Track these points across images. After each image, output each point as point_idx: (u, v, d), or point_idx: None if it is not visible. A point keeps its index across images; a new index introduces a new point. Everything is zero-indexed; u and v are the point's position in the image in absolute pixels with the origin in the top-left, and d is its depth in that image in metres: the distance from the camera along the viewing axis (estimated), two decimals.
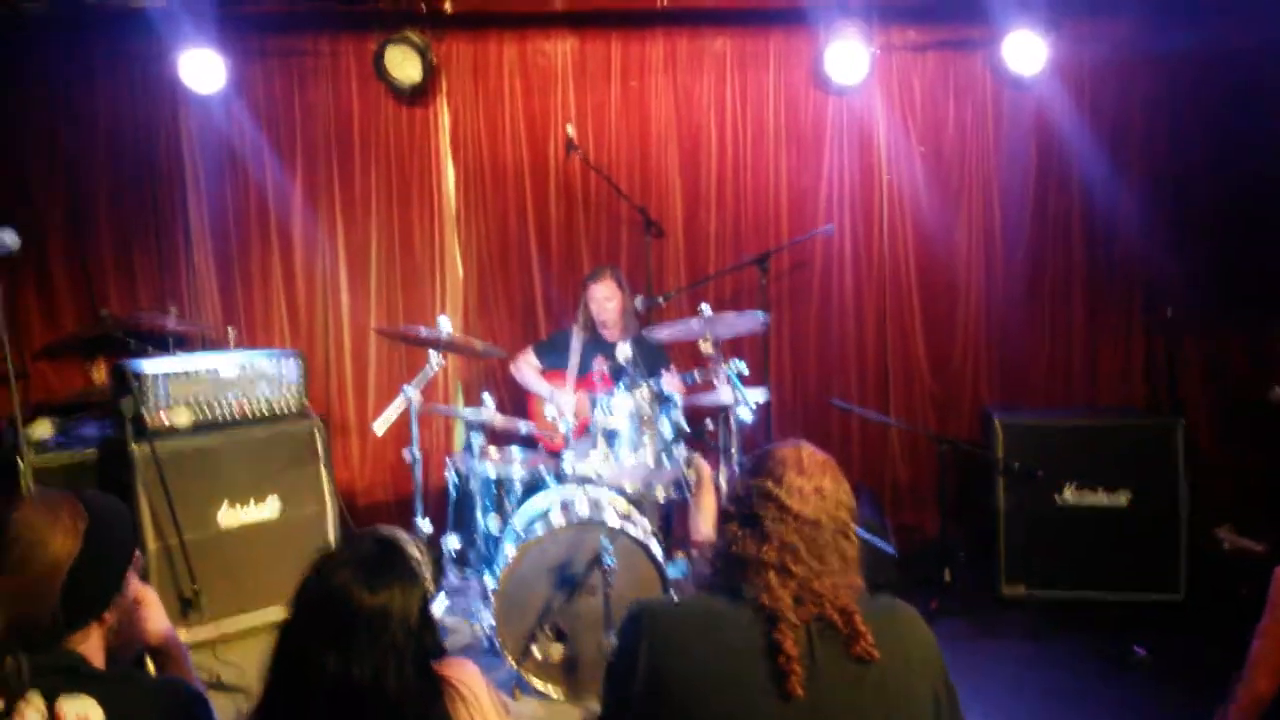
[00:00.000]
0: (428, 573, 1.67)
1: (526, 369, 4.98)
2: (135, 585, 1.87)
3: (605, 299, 4.82)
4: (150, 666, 2.01)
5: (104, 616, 1.76)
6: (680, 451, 4.18)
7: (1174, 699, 3.71)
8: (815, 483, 1.72)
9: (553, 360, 4.96)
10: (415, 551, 1.67)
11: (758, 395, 4.03)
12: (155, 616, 1.95)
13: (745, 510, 1.73)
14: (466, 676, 1.68)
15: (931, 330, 5.43)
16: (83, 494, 1.79)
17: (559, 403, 4.61)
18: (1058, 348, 5.31)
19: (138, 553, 1.86)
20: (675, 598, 2.60)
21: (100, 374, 5.44)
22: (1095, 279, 5.27)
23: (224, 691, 3.81)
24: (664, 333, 4.25)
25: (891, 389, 5.45)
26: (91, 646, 1.74)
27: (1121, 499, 4.49)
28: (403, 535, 1.70)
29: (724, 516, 1.78)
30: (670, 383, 4.33)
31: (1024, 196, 5.29)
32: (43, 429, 4.67)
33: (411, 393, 4.10)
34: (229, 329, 5.13)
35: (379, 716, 1.54)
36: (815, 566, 1.65)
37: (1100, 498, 4.51)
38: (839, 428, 5.48)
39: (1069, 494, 4.53)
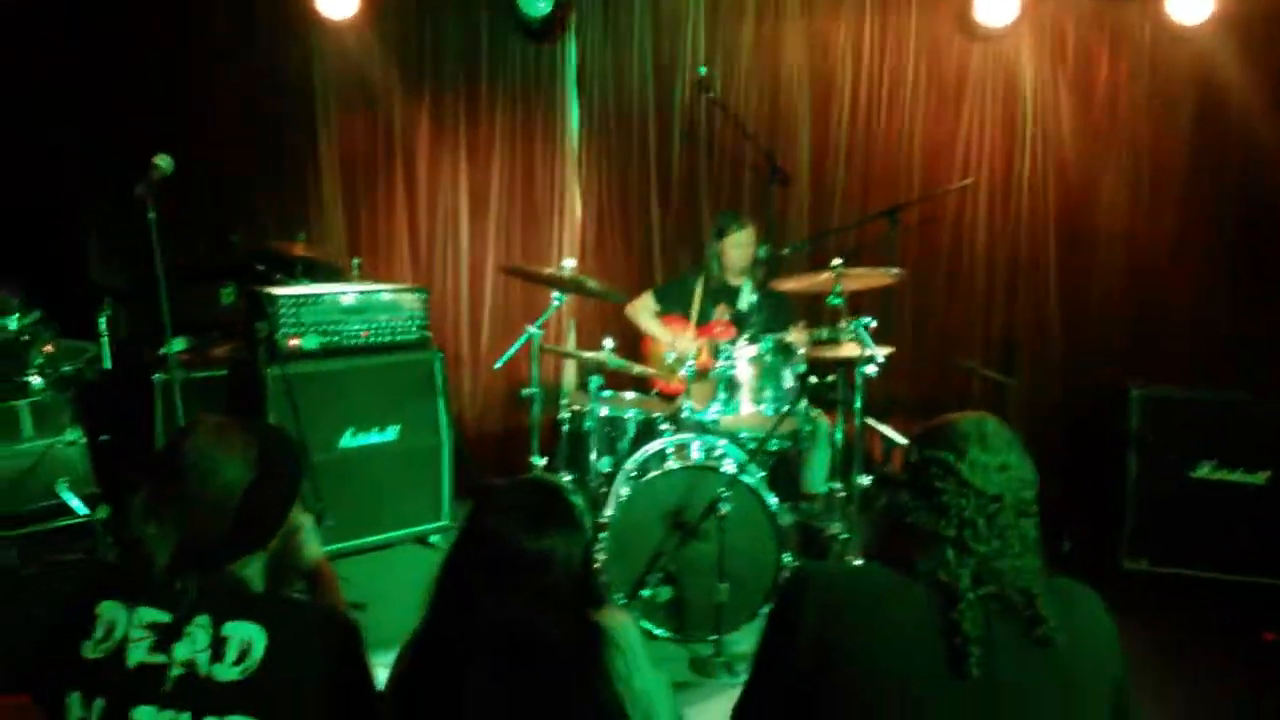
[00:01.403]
0: (589, 521, 1.66)
1: (644, 312, 4.94)
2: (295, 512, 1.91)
3: (746, 244, 4.75)
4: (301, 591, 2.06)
5: (269, 544, 1.80)
6: (799, 404, 4.12)
7: None
8: (1000, 459, 1.63)
9: (670, 305, 4.91)
10: (579, 500, 1.67)
11: (883, 351, 3.93)
12: (311, 543, 1.99)
13: (922, 481, 1.65)
14: (625, 628, 1.67)
15: (1068, 294, 5.18)
16: (252, 423, 1.83)
17: (680, 348, 4.58)
18: (1202, 317, 5.01)
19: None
20: (842, 565, 2.56)
21: (229, 296, 5.61)
22: (1249, 249, 4.93)
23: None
24: (790, 284, 4.16)
25: (1019, 353, 5.24)
26: (254, 571, 1.79)
27: (1260, 478, 4.28)
28: (564, 483, 1.70)
29: (895, 485, 1.71)
30: (796, 335, 4.25)
31: (1177, 156, 4.97)
32: (178, 347, 4.84)
33: (534, 331, 4.11)
34: (353, 260, 5.22)
35: (536, 661, 1.55)
36: (996, 545, 1.58)
37: (1238, 476, 4.30)
38: (960, 390, 5.31)
39: (1204, 470, 4.33)
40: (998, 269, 5.25)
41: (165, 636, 1.64)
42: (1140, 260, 5.10)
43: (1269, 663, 3.76)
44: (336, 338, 4.44)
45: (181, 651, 1.63)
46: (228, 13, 5.40)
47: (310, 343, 4.35)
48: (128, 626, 1.65)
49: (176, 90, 5.39)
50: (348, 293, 4.49)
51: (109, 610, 1.67)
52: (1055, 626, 1.52)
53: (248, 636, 1.65)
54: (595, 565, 1.69)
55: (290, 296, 4.33)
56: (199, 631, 1.64)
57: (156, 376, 4.21)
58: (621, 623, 1.69)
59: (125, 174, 3.36)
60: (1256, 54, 4.80)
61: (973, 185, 5.13)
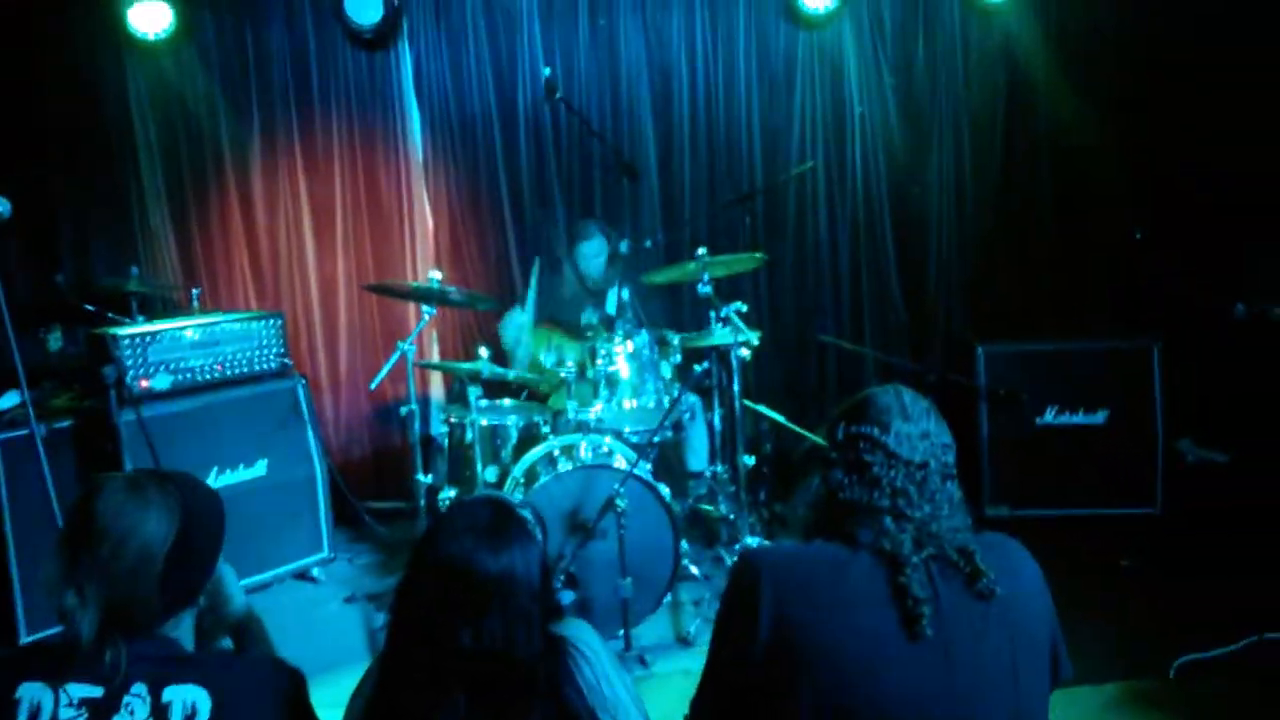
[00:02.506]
0: (540, 533, 1.64)
1: (520, 332, 4.82)
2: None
3: (594, 255, 4.79)
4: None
5: (198, 600, 1.70)
6: (683, 393, 4.19)
7: (1161, 606, 3.89)
8: (921, 427, 1.71)
9: (542, 312, 4.88)
10: (527, 513, 1.65)
11: (753, 335, 4.05)
12: (235, 592, 1.90)
13: (851, 457, 1.71)
14: (585, 635, 1.67)
15: (906, 265, 5.48)
16: (165, 472, 1.73)
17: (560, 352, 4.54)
18: (1028, 276, 5.39)
19: None
20: (786, 546, 2.59)
21: (57, 342, 5.21)
22: (1065, 206, 5.35)
23: None
24: (659, 276, 4.23)
25: (868, 326, 5.50)
26: (185, 630, 1.69)
27: (1099, 418, 4.66)
28: (507, 497, 1.67)
29: (824, 463, 1.77)
30: (667, 328, 4.33)
31: (994, 126, 5.33)
32: (9, 402, 4.47)
33: (407, 347, 4.02)
34: (193, 290, 4.95)
35: (510, 683, 1.52)
36: (928, 510, 1.65)
37: (1079, 418, 4.67)
38: (818, 365, 5.54)
39: (1050, 416, 4.68)
40: (840, 247, 5.48)
41: (100, 711, 1.54)
42: (969, 227, 5.43)
43: (1128, 585, 4.13)
44: (188, 375, 4.21)
45: None
46: (35, 32, 4.99)
47: (161, 383, 4.11)
48: (55, 707, 1.53)
49: None
50: (195, 326, 4.26)
51: (30, 693, 1.54)
52: (994, 579, 1.61)
53: (191, 699, 1.56)
54: (550, 577, 1.66)
55: (133, 336, 4.07)
56: (136, 702, 1.55)
57: None
58: (583, 631, 1.68)
59: None
60: (1057, 24, 5.19)
61: (810, 170, 5.33)
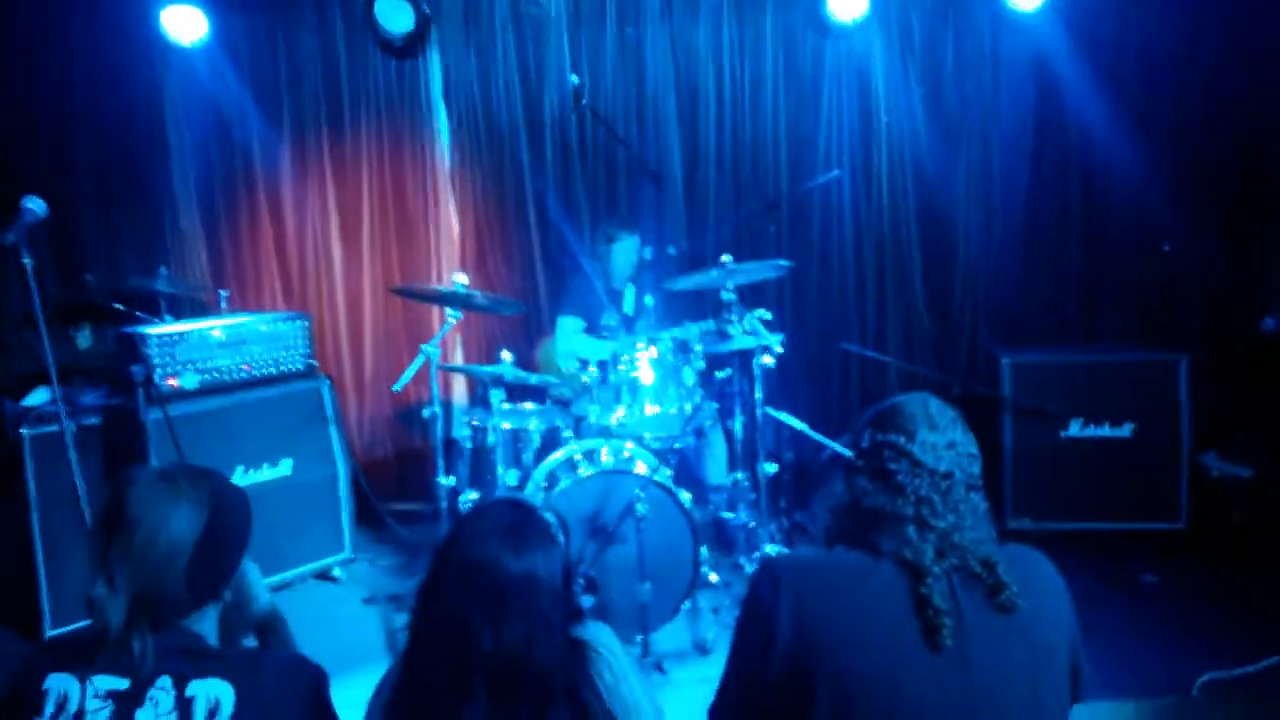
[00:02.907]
0: (562, 536, 1.65)
1: (575, 338, 4.83)
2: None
3: (633, 250, 4.82)
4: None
5: (224, 595, 1.73)
6: (698, 399, 4.20)
7: (1184, 622, 3.86)
8: (948, 437, 1.71)
9: (587, 317, 4.88)
10: (550, 516, 1.66)
11: (777, 342, 4.05)
12: (259, 590, 1.92)
13: (876, 465, 1.71)
14: (605, 639, 1.67)
15: (931, 275, 5.45)
16: (196, 467, 1.75)
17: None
18: (1055, 287, 5.36)
19: None
20: (807, 553, 2.59)
21: (86, 340, 5.28)
22: (1093, 217, 5.31)
23: None
24: (684, 282, 4.24)
25: (892, 335, 5.48)
26: (210, 625, 1.71)
27: (1125, 431, 4.62)
28: (531, 500, 1.69)
29: (849, 470, 1.77)
30: (692, 333, 4.33)
31: (1023, 137, 5.30)
32: (38, 399, 4.53)
33: (431, 350, 4.05)
34: (220, 292, 5.01)
35: (531, 686, 1.53)
36: (952, 520, 1.64)
37: (1105, 431, 4.63)
38: (841, 374, 5.52)
39: (1074, 428, 4.65)
40: (865, 256, 5.47)
41: (126, 704, 1.56)
42: (995, 237, 5.40)
43: (1152, 602, 4.08)
44: (215, 374, 4.26)
45: (145, 717, 1.55)
46: (70, 38, 5.08)
47: (189, 381, 4.16)
48: (82, 698, 1.56)
49: (18, 120, 5.05)
50: (224, 326, 4.30)
51: (58, 684, 1.57)
52: (1016, 592, 1.60)
53: (214, 695, 1.58)
54: (573, 580, 1.67)
55: (163, 335, 4.12)
56: (161, 695, 1.57)
57: (25, 431, 3.92)
58: (602, 633, 1.69)
59: None
60: (1088, 36, 5.15)
61: (836, 179, 5.31)
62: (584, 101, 4.69)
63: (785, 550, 4.10)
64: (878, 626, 1.58)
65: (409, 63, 5.33)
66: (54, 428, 3.81)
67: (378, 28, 5.03)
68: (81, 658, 1.58)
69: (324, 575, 4.61)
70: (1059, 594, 1.69)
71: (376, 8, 4.98)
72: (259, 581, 1.92)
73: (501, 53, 5.31)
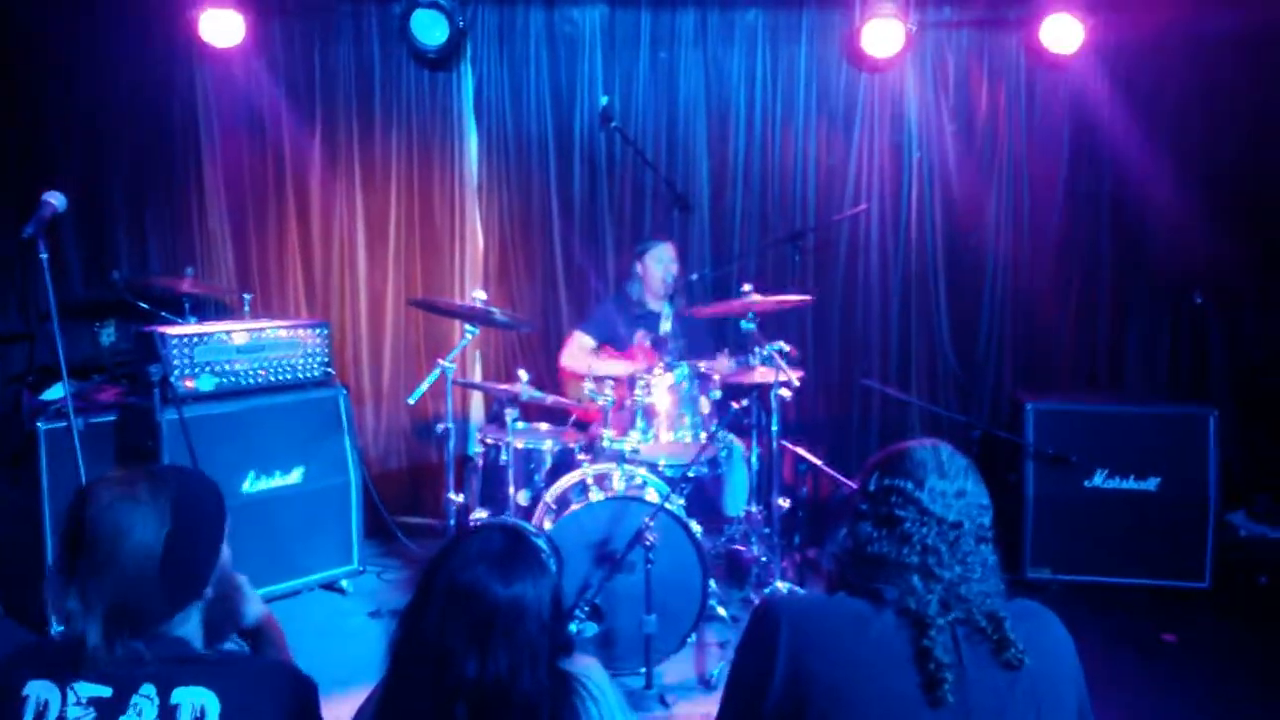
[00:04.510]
0: (554, 564, 1.61)
1: (583, 353, 4.80)
2: (228, 558, 1.79)
3: (670, 260, 4.76)
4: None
5: (204, 593, 1.69)
6: (714, 429, 4.14)
7: (1203, 684, 3.74)
8: (958, 485, 1.65)
9: (603, 336, 4.84)
10: (542, 543, 1.61)
11: (796, 375, 4.00)
12: (251, 602, 1.88)
13: (883, 511, 1.66)
14: (594, 673, 1.62)
15: (957, 314, 5.39)
16: (158, 467, 1.72)
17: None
18: (1083, 333, 5.29)
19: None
20: (809, 595, 2.54)
21: (109, 337, 5.31)
22: (1124, 264, 5.25)
23: None
24: (707, 310, 4.20)
25: (914, 373, 5.42)
26: (193, 628, 1.67)
27: (1150, 485, 4.52)
28: (524, 526, 1.64)
29: (855, 515, 1.72)
30: (719, 363, 4.28)
31: (1055, 179, 5.25)
32: (56, 393, 4.55)
33: (447, 365, 4.02)
34: (244, 295, 5.02)
35: (514, 717, 1.48)
36: (959, 571, 1.59)
37: (1130, 484, 4.53)
38: (861, 409, 5.45)
39: (1099, 479, 4.55)
40: (890, 291, 5.41)
41: (108, 711, 1.53)
42: (1024, 280, 5.34)
43: (1171, 662, 3.95)
44: (233, 378, 4.25)
45: None
46: (109, 39, 5.14)
47: (205, 384, 4.15)
48: (63, 705, 1.53)
49: (50, 118, 5.10)
50: (244, 330, 4.30)
51: (37, 690, 1.54)
52: (1022, 649, 1.54)
53: (199, 702, 1.55)
54: (563, 610, 1.62)
55: (183, 336, 4.12)
56: (144, 703, 1.54)
57: (41, 425, 3.92)
58: (591, 668, 1.64)
59: None
60: (1125, 81, 5.11)
61: (864, 211, 5.28)
62: (613, 123, 4.67)
63: (796, 588, 4.03)
64: (876, 677, 1.53)
65: (441, 75, 5.36)
66: (67, 423, 3.81)
67: (413, 39, 5.05)
68: (62, 664, 1.55)
69: (331, 586, 4.58)
70: (1068, 655, 1.63)
71: (413, 19, 5.00)
72: (252, 595, 1.89)
73: (534, 69, 5.32)
